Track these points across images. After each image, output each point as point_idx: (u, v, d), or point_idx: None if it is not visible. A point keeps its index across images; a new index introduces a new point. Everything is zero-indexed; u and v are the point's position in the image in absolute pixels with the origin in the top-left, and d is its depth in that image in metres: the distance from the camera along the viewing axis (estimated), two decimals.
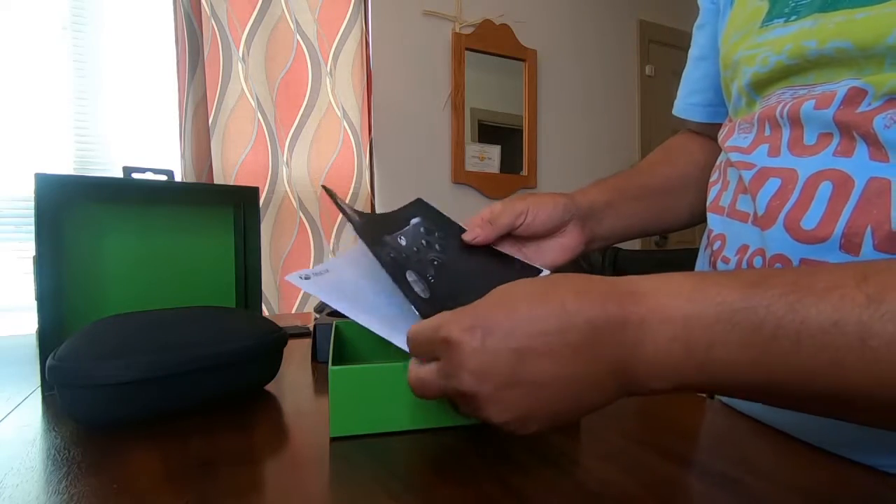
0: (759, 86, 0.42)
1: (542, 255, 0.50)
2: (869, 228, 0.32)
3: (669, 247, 2.69)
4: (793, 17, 0.39)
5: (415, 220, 0.48)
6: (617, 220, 0.54)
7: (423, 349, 0.30)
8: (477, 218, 0.48)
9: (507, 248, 0.49)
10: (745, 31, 0.43)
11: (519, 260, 0.49)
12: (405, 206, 0.50)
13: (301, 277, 0.41)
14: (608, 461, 0.34)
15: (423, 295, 0.39)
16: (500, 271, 0.46)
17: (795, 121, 0.38)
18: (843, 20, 0.35)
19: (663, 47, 2.76)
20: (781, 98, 0.40)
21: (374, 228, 0.45)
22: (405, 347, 0.33)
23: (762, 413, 0.41)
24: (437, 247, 0.46)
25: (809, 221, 0.35)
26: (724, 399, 0.46)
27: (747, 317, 0.24)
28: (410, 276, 0.40)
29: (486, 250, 0.48)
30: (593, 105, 2.57)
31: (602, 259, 2.07)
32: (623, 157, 2.61)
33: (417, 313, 0.36)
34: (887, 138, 0.32)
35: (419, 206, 0.51)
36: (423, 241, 0.46)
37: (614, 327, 0.26)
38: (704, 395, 0.50)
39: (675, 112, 0.62)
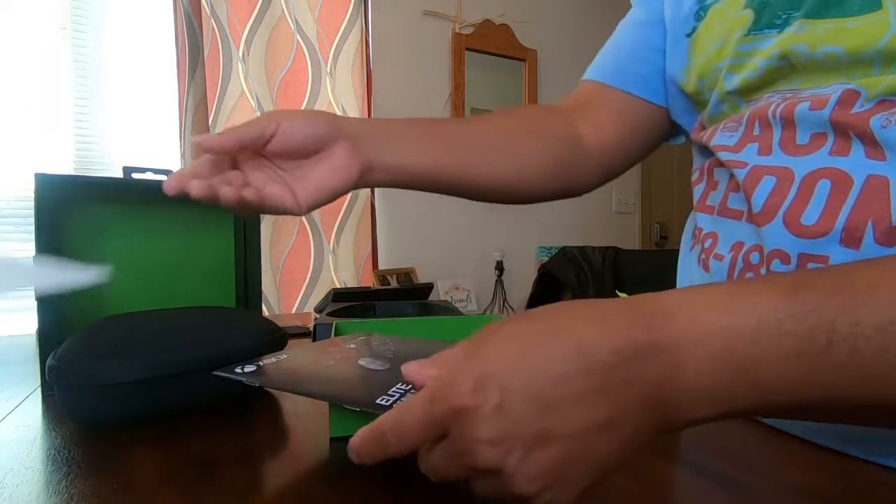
0: (747, 91, 0.43)
1: (308, 177, 0.43)
2: (870, 223, 0.33)
3: (669, 247, 2.69)
4: (783, 27, 0.39)
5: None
6: (400, 154, 0.47)
7: (419, 436, 0.24)
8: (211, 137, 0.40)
9: (265, 173, 0.43)
10: (725, 41, 0.43)
11: None
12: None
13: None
14: None
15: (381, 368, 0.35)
16: None
17: (788, 121, 0.38)
18: (834, 27, 0.36)
19: None
20: (770, 100, 0.40)
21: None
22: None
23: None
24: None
25: (809, 217, 0.35)
26: None
27: (795, 325, 0.21)
28: (363, 361, 0.37)
29: None
30: None
31: (602, 259, 2.06)
32: None
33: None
34: (884, 137, 0.33)
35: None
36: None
37: (644, 356, 0.22)
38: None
39: (595, 76, 0.56)
